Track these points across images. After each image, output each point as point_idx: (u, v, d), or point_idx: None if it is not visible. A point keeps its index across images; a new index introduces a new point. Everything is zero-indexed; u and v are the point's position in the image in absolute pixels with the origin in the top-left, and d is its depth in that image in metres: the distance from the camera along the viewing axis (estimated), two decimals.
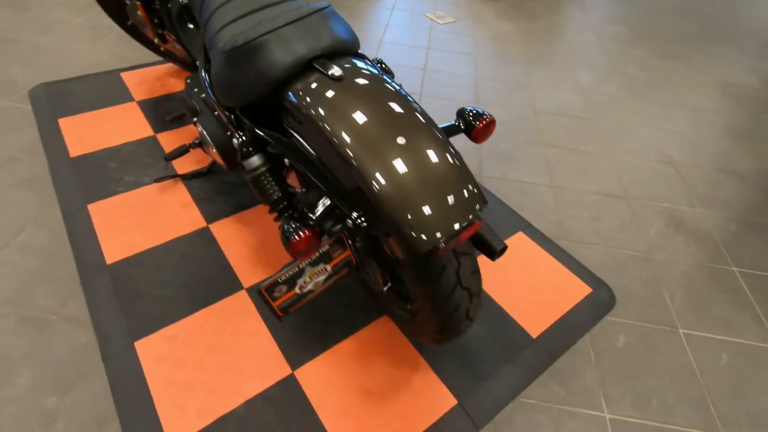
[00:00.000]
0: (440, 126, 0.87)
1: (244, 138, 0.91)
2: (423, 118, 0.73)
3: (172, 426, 1.00)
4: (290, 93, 0.78)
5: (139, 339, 1.15)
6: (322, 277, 0.84)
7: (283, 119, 0.88)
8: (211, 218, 1.48)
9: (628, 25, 3.39)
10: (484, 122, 0.89)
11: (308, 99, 0.74)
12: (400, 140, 0.69)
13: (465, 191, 0.69)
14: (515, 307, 1.33)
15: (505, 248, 1.06)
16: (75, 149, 1.68)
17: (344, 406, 1.07)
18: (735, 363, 1.28)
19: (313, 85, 0.76)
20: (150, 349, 1.14)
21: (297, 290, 0.80)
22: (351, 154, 0.68)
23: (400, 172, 0.67)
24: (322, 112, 0.72)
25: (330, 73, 0.75)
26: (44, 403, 1.03)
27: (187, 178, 1.62)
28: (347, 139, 0.69)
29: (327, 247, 0.80)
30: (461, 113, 0.91)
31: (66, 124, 1.79)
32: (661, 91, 2.57)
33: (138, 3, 1.62)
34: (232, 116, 1.00)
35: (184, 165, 1.67)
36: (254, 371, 1.12)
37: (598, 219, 1.69)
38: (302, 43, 0.79)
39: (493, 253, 1.04)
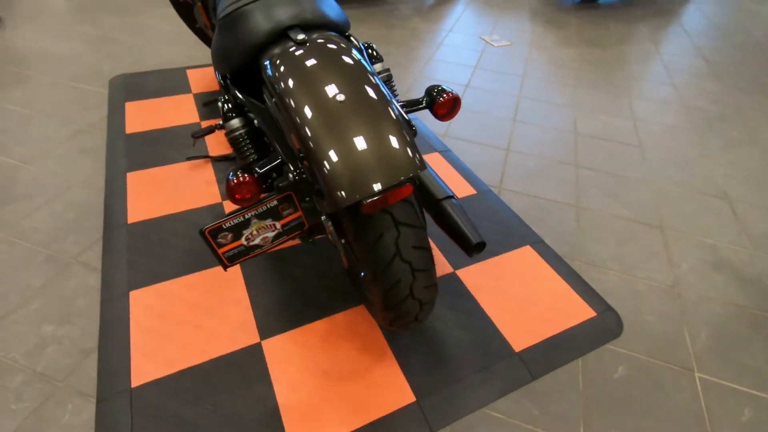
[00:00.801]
0: (403, 100, 0.88)
1: (228, 103, 0.99)
2: (372, 87, 0.74)
3: (139, 368, 1.07)
4: (263, 58, 0.84)
5: (134, 289, 1.25)
6: (270, 234, 0.86)
7: (262, 85, 0.94)
8: (225, 196, 1.59)
9: (707, 58, 3.14)
10: (444, 97, 0.88)
11: (270, 61, 0.79)
12: (340, 97, 0.71)
13: (397, 154, 0.69)
14: (502, 316, 1.25)
15: (483, 244, 1.02)
16: (131, 127, 1.90)
17: (299, 382, 1.07)
18: (760, 421, 1.08)
19: (277, 50, 0.81)
20: (141, 300, 1.23)
21: (243, 241, 0.84)
22: (293, 109, 0.71)
23: (332, 129, 0.68)
24: (277, 71, 0.77)
25: (295, 37, 0.80)
26: (43, 329, 1.16)
27: (216, 160, 1.76)
28: (292, 95, 0.72)
29: (275, 203, 0.83)
30: (428, 90, 0.91)
31: (131, 107, 2.04)
32: (731, 125, 2.33)
33: (200, 5, 1.83)
34: (223, 83, 1.08)
35: (218, 149, 1.82)
36: (226, 334, 1.16)
37: (623, 245, 1.55)
38: (281, 11, 0.85)
39: (469, 247, 1.00)
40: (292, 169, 0.78)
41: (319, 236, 0.94)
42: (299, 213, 0.87)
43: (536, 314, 1.27)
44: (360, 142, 0.68)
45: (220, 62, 0.95)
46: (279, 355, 1.12)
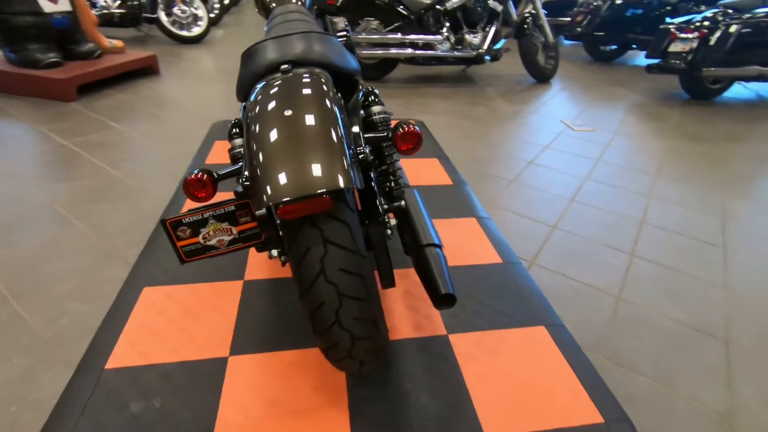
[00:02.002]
0: (371, 133, 0.90)
1: (236, 126, 1.11)
2: (322, 111, 0.77)
3: (118, 353, 1.15)
4: None
5: (149, 286, 1.39)
6: (226, 237, 0.91)
7: None
8: None
9: None
10: (404, 130, 0.88)
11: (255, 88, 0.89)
12: (287, 112, 0.76)
13: (321, 168, 0.70)
14: (484, 395, 1.10)
15: (452, 298, 0.95)
16: (211, 159, 2.22)
17: (247, 404, 1.04)
18: None
19: (265, 80, 0.90)
20: (150, 296, 1.35)
21: (200, 239, 0.89)
22: (247, 121, 0.79)
23: (267, 139, 0.73)
24: (251, 92, 0.86)
25: (281, 68, 0.90)
26: (67, 304, 1.33)
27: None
28: (250, 110, 0.80)
29: (233, 207, 0.88)
30: (395, 125, 0.92)
31: (217, 144, 2.39)
32: None
33: None
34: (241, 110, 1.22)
35: None
36: (201, 342, 1.20)
37: (668, 350, 1.28)
38: (283, 50, 0.96)
39: (437, 296, 0.94)
40: (244, 176, 0.84)
41: (276, 250, 0.96)
42: (255, 223, 0.91)
43: (527, 402, 1.09)
44: (289, 154, 0.71)
45: (237, 91, 1.10)
46: (239, 374, 1.12)
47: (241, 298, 1.36)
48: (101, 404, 1.02)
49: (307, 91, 0.81)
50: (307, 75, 0.86)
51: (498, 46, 3.77)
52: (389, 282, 1.02)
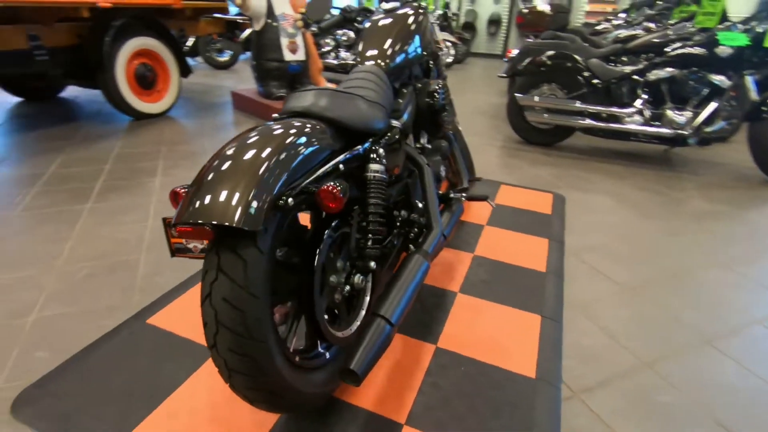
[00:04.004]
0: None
1: None
2: (269, 156, 0.85)
3: (163, 315, 1.48)
4: None
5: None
6: (199, 245, 1.07)
7: None
8: None
9: None
10: (327, 189, 0.86)
11: None
12: (231, 151, 0.87)
13: (226, 202, 0.78)
14: None
15: (354, 375, 0.89)
16: None
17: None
18: None
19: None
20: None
21: (184, 241, 1.08)
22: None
23: (207, 166, 0.85)
24: None
25: (273, 115, 1.02)
26: (136, 280, 1.77)
27: None
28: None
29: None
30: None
31: None
32: None
33: None
34: None
35: None
36: None
37: None
38: (296, 101, 1.08)
39: (344, 367, 0.90)
40: None
41: None
42: None
43: None
44: (206, 184, 0.82)
45: None
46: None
47: None
48: (129, 350, 1.34)
49: (273, 135, 0.92)
50: (292, 124, 0.96)
51: (714, 128, 3.01)
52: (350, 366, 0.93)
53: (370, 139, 1.16)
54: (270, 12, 3.70)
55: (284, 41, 3.76)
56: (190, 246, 1.10)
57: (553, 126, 3.45)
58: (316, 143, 0.98)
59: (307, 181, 0.93)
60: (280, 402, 0.95)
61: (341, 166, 1.03)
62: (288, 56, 3.80)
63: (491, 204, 1.73)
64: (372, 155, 1.12)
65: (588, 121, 3.23)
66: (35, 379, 1.23)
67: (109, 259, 1.81)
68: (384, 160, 1.14)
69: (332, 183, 0.89)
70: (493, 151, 3.43)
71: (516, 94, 3.40)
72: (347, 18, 1.57)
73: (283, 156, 0.89)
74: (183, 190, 1.00)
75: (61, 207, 2.22)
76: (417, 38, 1.62)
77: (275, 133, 0.93)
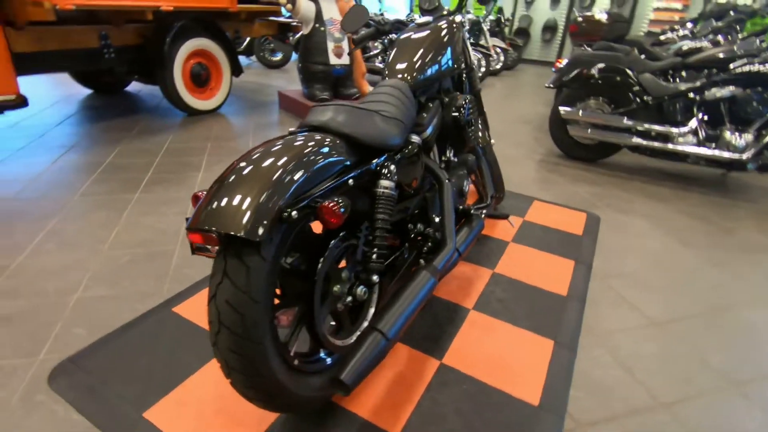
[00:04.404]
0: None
1: None
2: (280, 169, 0.91)
3: (186, 305, 1.58)
4: None
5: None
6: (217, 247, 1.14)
7: None
8: None
9: None
10: (327, 206, 0.89)
11: None
12: (244, 163, 0.93)
13: (233, 212, 0.84)
14: None
15: (344, 385, 0.92)
16: None
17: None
18: None
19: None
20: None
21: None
22: None
23: (224, 175, 0.92)
24: None
25: (289, 129, 1.07)
26: (172, 266, 1.88)
27: None
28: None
29: None
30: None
31: None
32: None
33: None
34: None
35: None
36: None
37: None
38: (315, 116, 1.13)
39: (335, 376, 0.94)
40: None
41: None
42: None
43: None
44: (217, 192, 0.88)
45: None
46: None
47: None
48: (154, 340, 1.45)
49: (286, 149, 0.97)
50: (307, 138, 1.01)
51: None
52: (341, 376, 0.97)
53: (385, 155, 1.19)
54: (318, 17, 3.81)
55: (330, 45, 3.86)
56: (208, 246, 1.18)
57: (597, 142, 3.32)
58: (328, 158, 1.02)
59: (317, 194, 0.98)
60: (275, 402, 1.01)
61: (351, 181, 1.06)
62: (333, 60, 3.90)
63: (511, 223, 1.70)
64: (383, 171, 1.15)
65: (635, 139, 3.07)
66: (71, 354, 1.37)
67: (149, 248, 1.96)
68: (395, 177, 1.16)
69: (334, 200, 0.93)
70: (531, 164, 3.35)
71: (560, 107, 3.29)
72: (380, 30, 1.58)
73: (292, 169, 0.94)
74: (202, 194, 1.08)
75: (114, 195, 2.43)
76: (448, 52, 1.63)
77: (289, 146, 0.98)
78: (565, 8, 8.67)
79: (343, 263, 1.21)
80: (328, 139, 1.06)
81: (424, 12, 1.86)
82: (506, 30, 8.18)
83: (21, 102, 2.78)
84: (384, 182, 1.14)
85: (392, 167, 1.16)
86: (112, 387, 1.26)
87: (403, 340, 1.49)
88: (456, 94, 1.67)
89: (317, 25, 3.83)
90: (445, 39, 1.63)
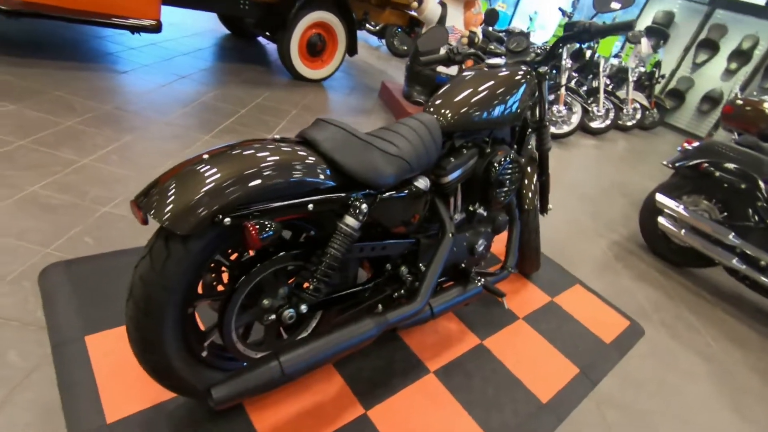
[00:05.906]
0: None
1: None
2: (242, 170, 0.91)
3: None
4: None
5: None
6: None
7: None
8: None
9: None
10: (248, 226, 0.86)
11: None
12: (208, 155, 0.93)
13: (175, 205, 0.86)
14: None
15: (212, 399, 0.91)
16: None
17: None
18: None
19: None
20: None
21: None
22: None
23: (192, 161, 0.93)
24: None
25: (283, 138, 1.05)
26: None
27: None
28: None
29: None
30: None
31: None
32: None
33: None
34: None
35: None
36: None
37: None
38: (313, 132, 1.09)
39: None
40: None
41: None
42: None
43: None
44: (175, 179, 0.90)
45: None
46: None
47: None
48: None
49: (259, 153, 0.96)
50: (288, 149, 1.00)
51: None
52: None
53: (365, 191, 1.12)
54: (441, 21, 3.74)
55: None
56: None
57: (689, 246, 2.83)
58: (300, 175, 0.99)
59: (265, 207, 0.95)
60: (164, 381, 1.04)
61: (311, 206, 1.02)
62: (441, 68, 3.82)
63: (504, 304, 1.53)
64: (352, 207, 1.09)
65: (737, 263, 2.56)
66: (70, 257, 1.55)
67: None
68: (362, 217, 1.09)
69: (261, 222, 0.90)
70: (600, 242, 2.98)
71: (657, 193, 2.86)
72: (451, 59, 1.48)
73: (250, 175, 0.92)
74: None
75: (190, 131, 2.67)
76: (509, 102, 1.48)
77: (262, 151, 0.97)
78: (737, 83, 7.46)
79: (292, 280, 1.19)
80: (311, 158, 1.02)
81: (511, 53, 1.71)
82: (657, 87, 7.29)
83: (156, 28, 3.15)
84: (348, 219, 1.08)
85: (363, 206, 1.09)
86: (80, 301, 1.39)
87: (343, 371, 1.43)
88: (501, 148, 1.52)
89: None
90: (510, 87, 1.48)
